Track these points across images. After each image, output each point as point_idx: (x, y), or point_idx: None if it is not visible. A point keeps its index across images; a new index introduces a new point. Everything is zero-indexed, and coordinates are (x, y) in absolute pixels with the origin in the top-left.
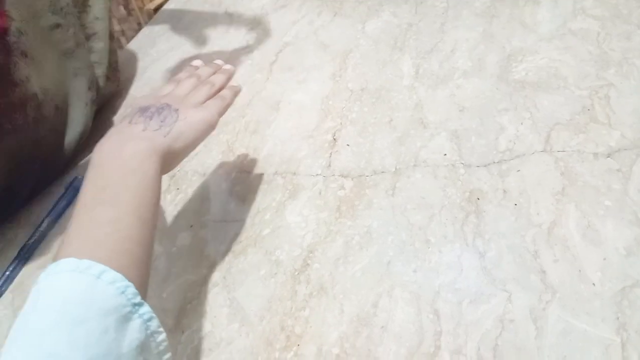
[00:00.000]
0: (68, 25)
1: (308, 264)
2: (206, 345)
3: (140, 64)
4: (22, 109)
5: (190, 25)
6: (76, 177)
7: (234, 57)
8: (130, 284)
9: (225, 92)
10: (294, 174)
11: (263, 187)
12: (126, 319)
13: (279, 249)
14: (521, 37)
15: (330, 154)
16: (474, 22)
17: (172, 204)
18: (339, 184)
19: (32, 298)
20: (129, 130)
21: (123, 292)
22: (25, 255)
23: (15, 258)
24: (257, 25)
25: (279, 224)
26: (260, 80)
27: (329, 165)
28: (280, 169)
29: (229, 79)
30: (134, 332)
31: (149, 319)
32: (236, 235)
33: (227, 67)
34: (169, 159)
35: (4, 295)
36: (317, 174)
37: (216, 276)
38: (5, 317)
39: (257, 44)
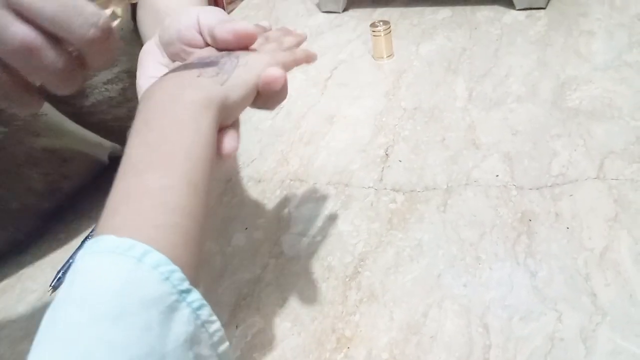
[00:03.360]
0: None
1: (359, 272)
2: (259, 341)
3: None
4: None
5: None
6: None
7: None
8: (176, 267)
9: (297, 50)
10: (346, 185)
11: (316, 196)
12: (171, 309)
13: (330, 255)
14: (575, 66)
15: (382, 168)
16: (528, 49)
17: (228, 207)
18: (391, 197)
19: (68, 282)
20: (183, 76)
21: (167, 278)
22: None
23: (79, 247)
24: (313, 42)
25: (331, 231)
26: (314, 95)
27: (381, 179)
28: (333, 179)
29: (299, 43)
30: (180, 325)
31: (199, 307)
32: (289, 239)
33: (299, 32)
34: (225, 113)
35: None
36: (369, 187)
37: (269, 276)
38: None
39: None
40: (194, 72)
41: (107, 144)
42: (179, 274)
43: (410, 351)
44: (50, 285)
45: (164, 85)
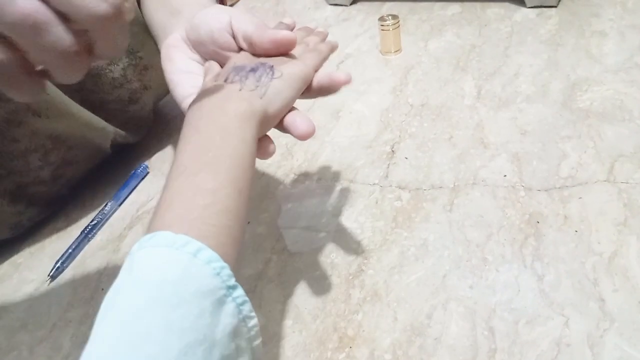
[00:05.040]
0: None
1: (362, 270)
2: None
3: None
4: None
5: None
6: (142, 165)
7: None
8: (225, 264)
9: (321, 46)
10: (351, 181)
11: (320, 192)
12: (220, 302)
13: (334, 252)
14: (586, 67)
15: (388, 165)
16: (539, 48)
17: None
18: (396, 195)
19: (126, 270)
20: (226, 89)
21: (219, 274)
22: (87, 235)
23: (78, 237)
24: None
25: (334, 228)
26: None
27: (387, 176)
28: (338, 175)
29: (323, 40)
30: (227, 317)
31: (242, 303)
32: (292, 235)
33: (321, 29)
34: (264, 124)
35: (65, 272)
36: (374, 184)
37: (272, 272)
38: (65, 293)
39: None
40: (236, 85)
41: (110, 128)
42: (227, 271)
43: (413, 353)
44: (48, 276)
45: (210, 98)
